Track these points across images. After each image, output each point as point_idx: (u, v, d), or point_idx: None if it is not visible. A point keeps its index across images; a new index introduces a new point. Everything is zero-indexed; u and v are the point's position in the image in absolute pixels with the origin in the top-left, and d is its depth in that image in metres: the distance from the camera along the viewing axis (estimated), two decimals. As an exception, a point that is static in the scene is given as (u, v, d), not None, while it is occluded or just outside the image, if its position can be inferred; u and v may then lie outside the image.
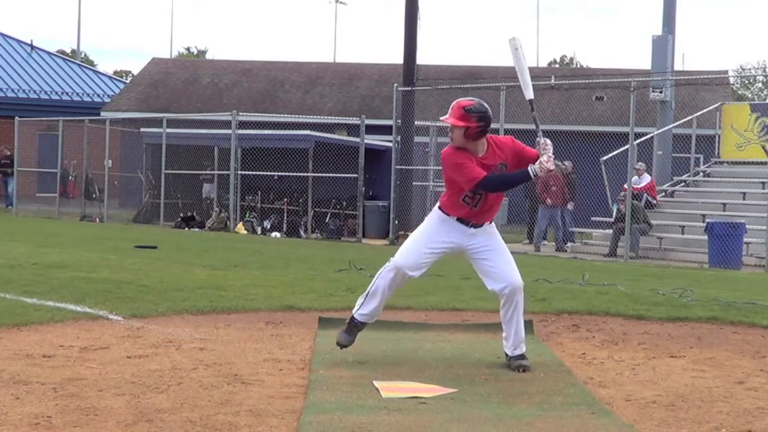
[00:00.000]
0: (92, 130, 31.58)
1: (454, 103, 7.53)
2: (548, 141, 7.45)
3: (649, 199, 22.61)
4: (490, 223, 7.70)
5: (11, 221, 28.16)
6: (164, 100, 39.96)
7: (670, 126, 25.31)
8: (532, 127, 7.67)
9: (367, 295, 7.77)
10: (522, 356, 7.57)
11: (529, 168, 7.41)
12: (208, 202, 28.77)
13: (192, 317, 9.88)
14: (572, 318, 10.39)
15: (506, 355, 7.65)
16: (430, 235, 7.66)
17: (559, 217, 23.15)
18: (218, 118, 30.89)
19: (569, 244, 23.11)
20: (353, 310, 7.85)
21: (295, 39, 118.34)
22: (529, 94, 7.77)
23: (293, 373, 7.21)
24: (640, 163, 22.58)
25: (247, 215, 27.41)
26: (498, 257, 7.59)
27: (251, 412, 5.94)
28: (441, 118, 7.62)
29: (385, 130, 27.21)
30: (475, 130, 7.38)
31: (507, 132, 20.77)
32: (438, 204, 7.77)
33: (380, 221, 25.27)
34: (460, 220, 7.58)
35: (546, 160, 7.36)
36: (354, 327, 7.80)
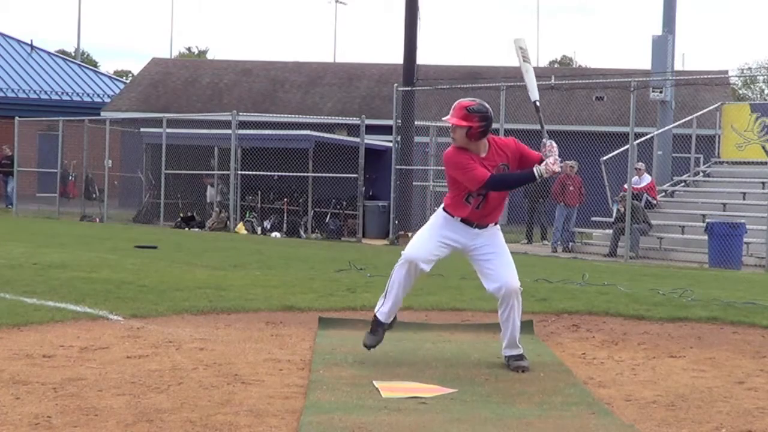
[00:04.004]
0: (92, 130, 31.57)
1: (456, 103, 7.56)
2: (554, 143, 7.46)
3: (649, 199, 22.62)
4: (495, 224, 7.72)
5: (11, 221, 28.17)
6: (164, 100, 39.95)
7: (670, 126, 25.31)
8: (534, 127, 7.68)
9: (385, 293, 7.83)
10: (520, 356, 7.58)
11: (534, 169, 7.44)
12: (218, 208, 28.30)
13: (192, 317, 9.88)
14: (572, 318, 10.39)
15: (504, 355, 7.67)
16: (438, 228, 7.70)
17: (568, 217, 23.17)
18: (218, 118, 30.86)
19: (570, 244, 23.09)
20: (375, 309, 7.90)
21: (295, 39, 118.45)
22: (535, 95, 7.79)
23: (293, 373, 7.21)
24: (640, 163, 22.57)
25: (247, 215, 27.40)
26: (497, 259, 7.60)
27: (251, 412, 5.94)
28: (443, 119, 7.63)
29: (385, 130, 27.20)
30: (478, 130, 7.42)
31: (507, 132, 20.76)
32: (442, 205, 7.81)
33: (380, 221, 25.27)
34: (463, 220, 7.61)
35: (552, 162, 7.39)
36: (378, 327, 7.85)
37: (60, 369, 7.09)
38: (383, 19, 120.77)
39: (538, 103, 7.82)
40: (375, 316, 7.88)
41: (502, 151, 7.56)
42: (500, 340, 7.71)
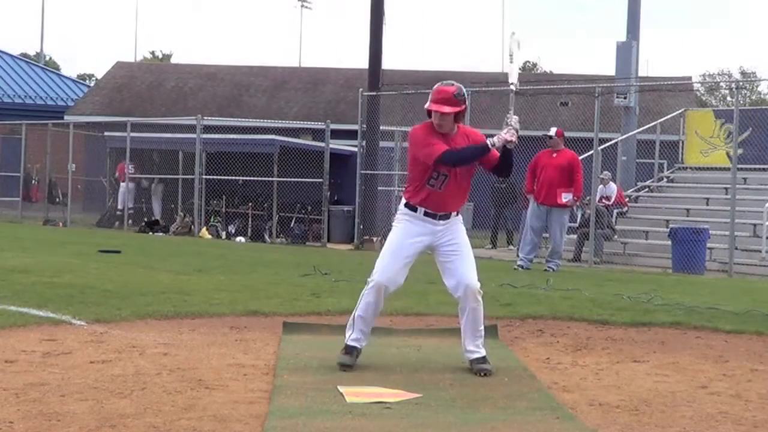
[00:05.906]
0: (56, 134, 31.38)
1: (438, 92, 7.52)
2: (515, 117, 7.59)
3: (621, 210, 22.90)
4: (457, 214, 7.69)
5: (-27, 225, 27.91)
6: (129, 104, 39.78)
7: (634, 132, 25.45)
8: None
9: (353, 320, 7.69)
10: (483, 359, 7.55)
11: (487, 140, 7.53)
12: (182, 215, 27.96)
13: (156, 322, 9.81)
14: (537, 323, 10.41)
15: (467, 359, 7.65)
16: (402, 243, 7.61)
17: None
18: (183, 122, 30.75)
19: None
20: (346, 340, 7.68)
21: (260, 43, 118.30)
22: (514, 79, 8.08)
23: (257, 378, 7.18)
24: (605, 173, 22.70)
25: (212, 220, 27.30)
26: (459, 259, 7.59)
27: (215, 417, 5.91)
28: (432, 108, 7.47)
29: (351, 134, 27.19)
30: (464, 111, 7.60)
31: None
32: (402, 202, 7.76)
33: (345, 226, 25.26)
34: (426, 214, 7.57)
35: (505, 131, 7.51)
36: (352, 350, 7.66)
37: (22, 374, 7.03)
38: (349, 24, 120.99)
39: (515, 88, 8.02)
40: (347, 345, 7.66)
41: (467, 136, 7.65)
42: (462, 343, 7.69)
